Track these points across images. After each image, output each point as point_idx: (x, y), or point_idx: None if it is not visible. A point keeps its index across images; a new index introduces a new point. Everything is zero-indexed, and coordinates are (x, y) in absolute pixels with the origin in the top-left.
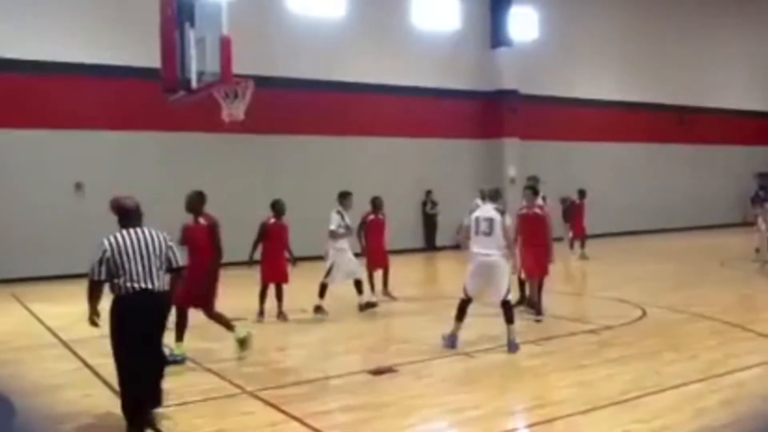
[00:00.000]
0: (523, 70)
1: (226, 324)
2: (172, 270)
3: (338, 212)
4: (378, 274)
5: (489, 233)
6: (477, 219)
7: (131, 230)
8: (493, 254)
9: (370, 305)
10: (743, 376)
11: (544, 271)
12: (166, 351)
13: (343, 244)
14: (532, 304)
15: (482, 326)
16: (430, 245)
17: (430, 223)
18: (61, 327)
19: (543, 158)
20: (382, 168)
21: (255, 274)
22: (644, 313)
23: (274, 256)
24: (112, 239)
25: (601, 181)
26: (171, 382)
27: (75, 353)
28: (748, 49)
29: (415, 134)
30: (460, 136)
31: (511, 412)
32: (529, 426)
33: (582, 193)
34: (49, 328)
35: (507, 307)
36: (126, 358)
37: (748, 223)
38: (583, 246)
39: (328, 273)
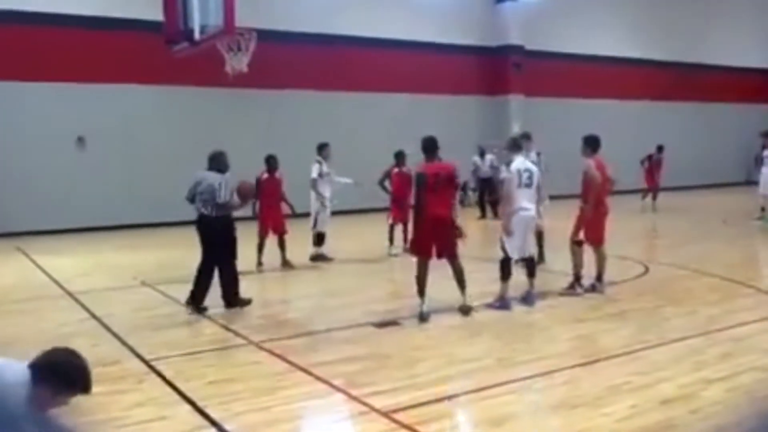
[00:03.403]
0: (529, 25)
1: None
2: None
3: (318, 162)
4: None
5: (530, 185)
6: (519, 171)
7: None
8: (532, 208)
9: (321, 257)
10: (742, 331)
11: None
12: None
13: (325, 192)
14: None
15: (484, 280)
16: None
17: None
18: (66, 279)
19: (548, 115)
20: (384, 124)
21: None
22: (646, 270)
23: (270, 209)
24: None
25: (606, 138)
26: (181, 333)
27: (81, 304)
28: (755, 4)
29: (419, 90)
30: (464, 93)
31: (511, 364)
32: (530, 377)
33: (660, 148)
34: (54, 280)
35: (534, 261)
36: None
37: (752, 182)
38: (654, 198)
39: (315, 223)
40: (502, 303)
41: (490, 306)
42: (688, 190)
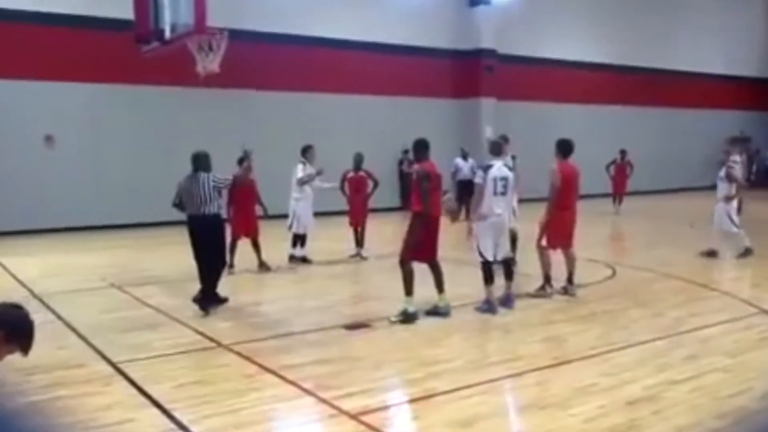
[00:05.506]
0: (501, 29)
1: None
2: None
3: (302, 163)
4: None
5: (505, 193)
6: (495, 179)
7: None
8: (504, 214)
9: (303, 260)
10: (706, 333)
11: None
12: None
13: (305, 194)
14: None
15: (455, 283)
16: (406, 204)
17: (406, 183)
18: (32, 280)
19: (519, 119)
20: (356, 126)
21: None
22: (614, 273)
23: (243, 211)
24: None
25: (576, 142)
26: (149, 335)
27: (47, 306)
28: (722, 12)
29: (391, 92)
30: (436, 95)
31: (482, 366)
32: (500, 379)
33: (623, 153)
34: (20, 281)
35: (510, 264)
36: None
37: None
38: (619, 203)
39: (292, 224)
40: (488, 306)
41: (477, 309)
42: (654, 195)
